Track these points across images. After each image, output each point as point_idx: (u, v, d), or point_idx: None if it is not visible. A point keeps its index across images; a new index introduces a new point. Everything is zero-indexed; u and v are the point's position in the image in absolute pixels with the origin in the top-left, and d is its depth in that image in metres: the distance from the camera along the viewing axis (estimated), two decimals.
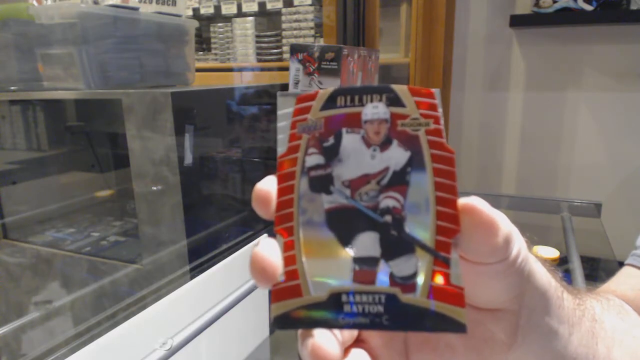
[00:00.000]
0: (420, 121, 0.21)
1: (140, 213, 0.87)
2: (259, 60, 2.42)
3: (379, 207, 0.21)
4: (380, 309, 0.20)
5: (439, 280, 0.20)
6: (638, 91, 1.68)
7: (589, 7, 1.61)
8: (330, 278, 0.21)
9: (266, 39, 2.40)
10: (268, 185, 0.21)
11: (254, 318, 0.74)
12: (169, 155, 0.82)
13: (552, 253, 0.90)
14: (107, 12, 0.91)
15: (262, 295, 0.74)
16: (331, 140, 0.22)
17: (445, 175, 0.21)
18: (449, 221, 0.20)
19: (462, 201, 0.20)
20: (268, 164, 1.03)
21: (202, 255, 0.88)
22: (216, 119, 0.98)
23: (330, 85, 1.02)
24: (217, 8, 2.50)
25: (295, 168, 0.22)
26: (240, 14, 2.45)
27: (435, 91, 0.21)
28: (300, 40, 2.28)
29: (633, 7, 1.57)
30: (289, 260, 0.21)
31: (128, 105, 0.83)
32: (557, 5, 1.64)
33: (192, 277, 0.64)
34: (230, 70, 2.49)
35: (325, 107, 0.22)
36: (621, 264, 0.50)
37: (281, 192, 0.22)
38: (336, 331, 0.21)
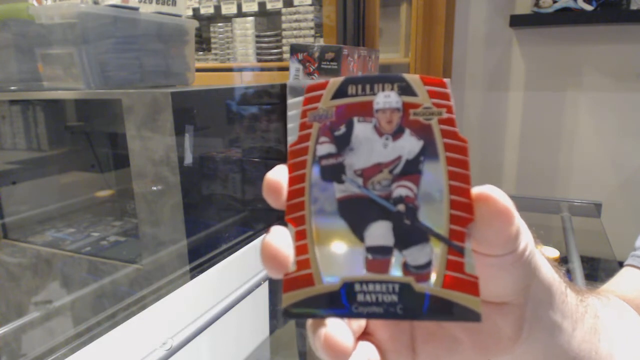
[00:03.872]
0: (432, 110, 0.21)
1: (140, 213, 0.87)
2: (259, 60, 2.42)
3: (392, 196, 0.21)
4: (395, 298, 0.20)
5: (454, 269, 0.20)
6: (638, 91, 1.68)
7: (589, 7, 1.61)
8: (343, 267, 0.21)
9: (266, 39, 2.40)
10: (279, 175, 0.21)
11: (254, 318, 0.74)
12: (169, 155, 0.82)
13: (552, 253, 0.90)
14: (107, 12, 0.91)
15: (262, 295, 0.74)
16: (342, 129, 0.21)
17: (458, 164, 0.21)
18: (463, 210, 0.20)
19: (476, 190, 0.20)
20: (268, 163, 1.03)
21: (202, 255, 0.88)
22: (216, 119, 0.98)
23: None
24: (217, 8, 2.50)
25: (306, 157, 0.21)
26: (240, 14, 2.45)
27: (447, 81, 0.21)
28: (300, 40, 2.28)
29: (633, 7, 1.57)
30: (300, 250, 0.21)
31: (128, 105, 0.83)
32: (557, 5, 1.64)
33: (192, 277, 0.64)
34: (230, 70, 2.49)
35: (336, 95, 0.22)
36: (621, 264, 0.50)
37: (292, 181, 0.21)
38: (347, 322, 0.21)
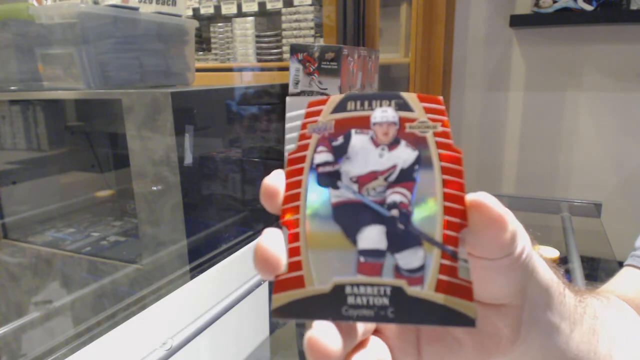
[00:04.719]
0: (428, 124, 0.22)
1: (140, 213, 0.87)
2: (259, 60, 2.42)
3: (386, 202, 0.21)
4: (386, 301, 0.20)
5: (447, 273, 0.20)
6: (638, 91, 1.68)
7: (589, 7, 1.61)
8: (335, 270, 0.21)
9: (266, 39, 2.40)
10: (276, 180, 0.22)
11: (254, 318, 0.74)
12: (169, 155, 0.82)
13: (552, 253, 0.90)
14: (107, 12, 0.91)
15: (262, 295, 0.74)
16: (340, 140, 0.22)
17: (452, 173, 0.21)
18: (457, 216, 0.21)
19: (470, 197, 0.21)
20: (268, 164, 1.03)
21: (202, 255, 0.88)
22: (216, 119, 0.98)
23: (330, 85, 1.02)
24: (217, 8, 2.50)
25: (303, 164, 0.22)
26: (240, 14, 2.45)
27: (441, 98, 0.22)
28: (300, 40, 2.28)
29: (633, 7, 1.57)
30: (293, 252, 0.21)
31: (128, 105, 0.83)
32: (557, 5, 1.64)
33: (192, 277, 0.64)
34: (230, 70, 2.49)
35: (335, 110, 0.23)
36: (621, 264, 0.50)
37: (289, 186, 0.22)
38: (353, 326, 0.21)
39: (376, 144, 0.22)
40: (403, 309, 0.20)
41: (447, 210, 0.21)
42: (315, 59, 1.02)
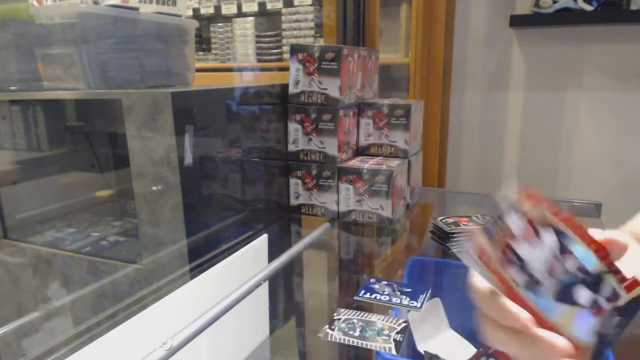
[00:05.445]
0: (541, 210, 0.31)
1: (140, 213, 0.87)
2: (259, 60, 2.42)
3: (575, 275, 0.31)
4: (614, 323, 0.31)
5: (622, 280, 0.30)
6: (638, 91, 1.68)
7: (589, 7, 1.61)
8: (585, 326, 0.31)
9: (266, 39, 2.40)
10: (515, 310, 0.32)
11: (254, 318, 0.74)
12: (169, 155, 0.82)
13: None
14: (107, 12, 0.91)
15: (262, 295, 0.74)
16: (512, 256, 0.32)
17: (579, 230, 0.31)
18: (603, 252, 0.30)
19: (603, 236, 0.35)
20: (268, 164, 1.03)
21: (202, 255, 0.88)
22: (216, 119, 0.98)
23: (330, 85, 1.02)
24: (217, 8, 2.50)
25: (510, 284, 0.32)
26: (240, 14, 2.45)
27: (537, 192, 0.32)
28: (300, 40, 2.28)
29: (633, 7, 1.57)
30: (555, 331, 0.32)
31: (128, 105, 0.83)
32: (557, 6, 1.64)
33: (192, 277, 0.64)
34: (230, 70, 2.49)
35: (490, 238, 0.33)
36: None
37: (516, 301, 0.32)
38: None
39: (530, 243, 0.31)
40: (622, 311, 0.30)
41: (596, 252, 0.30)
42: (315, 59, 1.02)
